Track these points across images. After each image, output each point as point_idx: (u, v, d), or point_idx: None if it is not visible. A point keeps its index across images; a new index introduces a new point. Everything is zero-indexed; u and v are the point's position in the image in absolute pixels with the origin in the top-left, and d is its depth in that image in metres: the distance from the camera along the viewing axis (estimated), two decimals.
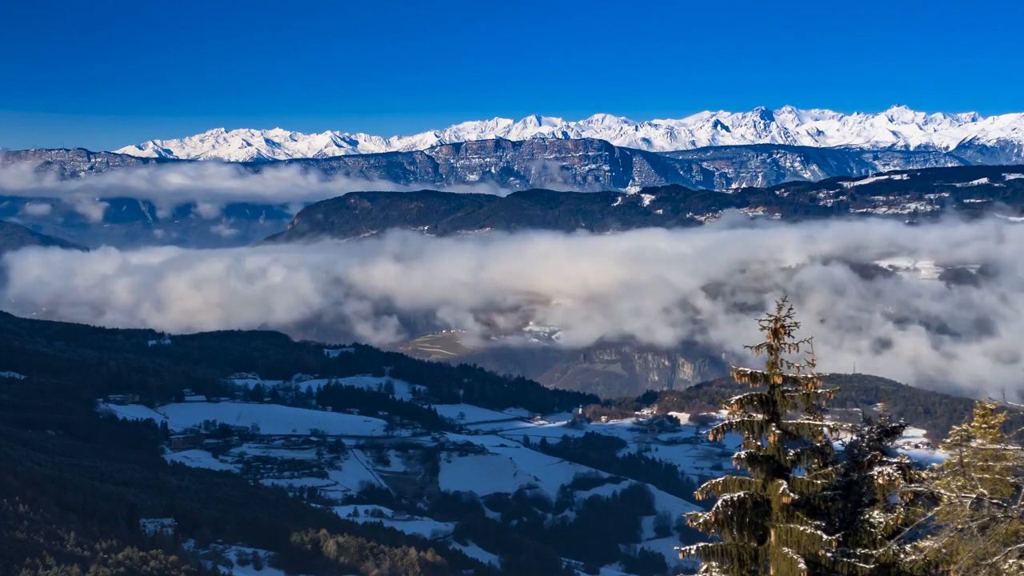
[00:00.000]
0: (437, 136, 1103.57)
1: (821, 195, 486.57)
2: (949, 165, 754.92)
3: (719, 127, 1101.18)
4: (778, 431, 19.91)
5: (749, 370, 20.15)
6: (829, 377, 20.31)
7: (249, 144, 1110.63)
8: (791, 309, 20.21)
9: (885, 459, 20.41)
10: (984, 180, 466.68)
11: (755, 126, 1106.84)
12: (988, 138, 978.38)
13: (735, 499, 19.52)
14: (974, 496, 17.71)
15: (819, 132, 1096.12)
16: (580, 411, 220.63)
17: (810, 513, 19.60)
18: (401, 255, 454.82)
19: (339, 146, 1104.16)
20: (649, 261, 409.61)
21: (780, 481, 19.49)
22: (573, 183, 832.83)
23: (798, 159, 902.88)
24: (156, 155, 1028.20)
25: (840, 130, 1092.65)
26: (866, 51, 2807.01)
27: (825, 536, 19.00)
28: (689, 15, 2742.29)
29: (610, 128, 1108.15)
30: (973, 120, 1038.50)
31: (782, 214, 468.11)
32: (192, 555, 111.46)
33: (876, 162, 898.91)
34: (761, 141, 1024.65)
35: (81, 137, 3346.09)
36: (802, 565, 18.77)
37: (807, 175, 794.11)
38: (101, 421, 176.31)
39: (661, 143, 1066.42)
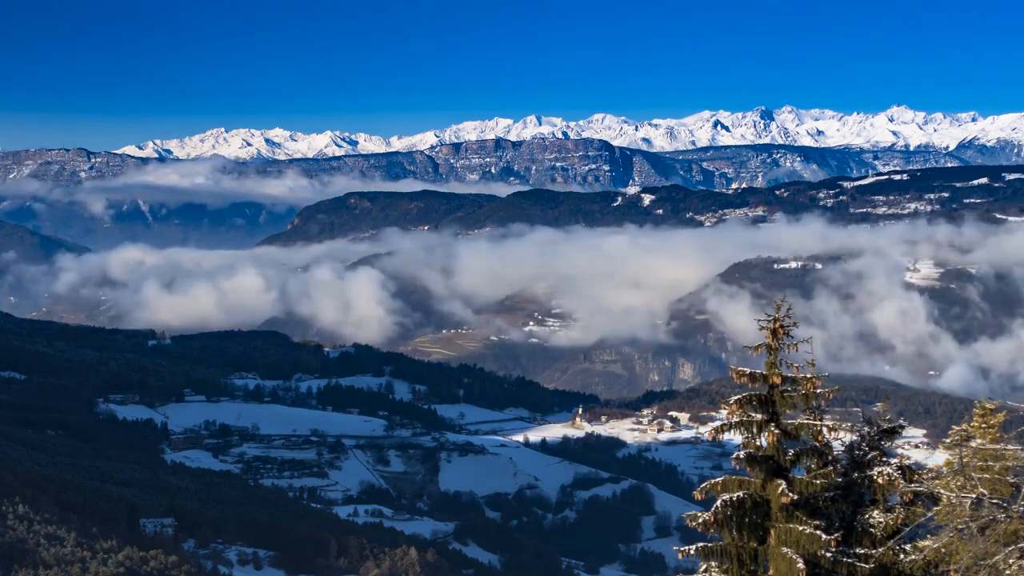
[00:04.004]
0: (437, 136, 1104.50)
1: (821, 195, 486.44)
2: (949, 165, 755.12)
3: (719, 127, 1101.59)
4: (777, 431, 19.89)
5: (748, 370, 20.13)
6: (828, 377, 20.29)
7: (249, 144, 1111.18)
8: (790, 309, 20.20)
9: (885, 459, 20.39)
10: (984, 180, 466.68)
11: (755, 126, 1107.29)
12: (988, 138, 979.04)
13: (734, 499, 19.51)
14: (974, 496, 17.70)
15: (819, 132, 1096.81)
16: (580, 411, 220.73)
17: (810, 513, 19.58)
18: (402, 255, 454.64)
19: (339, 146, 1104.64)
20: (649, 261, 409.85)
21: (779, 481, 19.48)
22: (573, 183, 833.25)
23: (798, 159, 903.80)
24: (156, 155, 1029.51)
25: (840, 130, 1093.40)
26: (866, 51, 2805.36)
27: (824, 536, 18.98)
28: (689, 15, 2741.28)
29: (610, 128, 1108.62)
30: (973, 120, 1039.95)
31: (782, 214, 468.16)
32: (192, 555, 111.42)
33: (876, 162, 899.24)
34: (761, 141, 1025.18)
35: (81, 137, 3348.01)
36: (801, 565, 18.76)
37: (807, 175, 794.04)
38: (101, 421, 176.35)
39: (661, 143, 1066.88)
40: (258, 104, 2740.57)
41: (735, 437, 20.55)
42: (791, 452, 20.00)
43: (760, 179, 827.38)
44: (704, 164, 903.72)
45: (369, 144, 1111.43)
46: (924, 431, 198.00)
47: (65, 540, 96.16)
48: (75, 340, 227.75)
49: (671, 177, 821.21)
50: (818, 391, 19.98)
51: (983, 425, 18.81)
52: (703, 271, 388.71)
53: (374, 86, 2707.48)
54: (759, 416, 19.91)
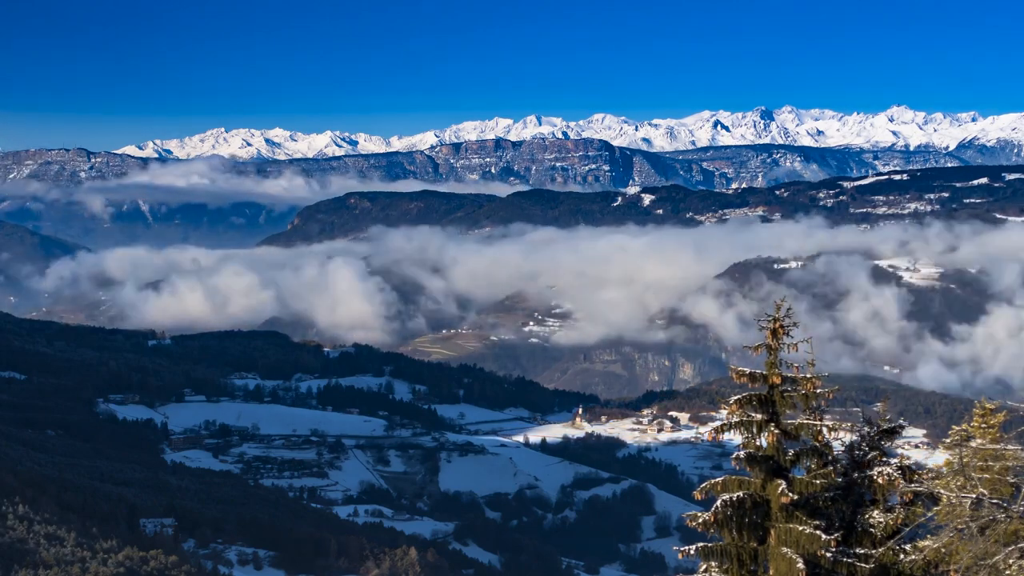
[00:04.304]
0: (437, 136, 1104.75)
1: (821, 195, 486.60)
2: (949, 165, 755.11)
3: (719, 127, 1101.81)
4: (777, 431, 19.88)
5: (748, 370, 20.10)
6: (828, 377, 20.27)
7: (249, 144, 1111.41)
8: (790, 309, 20.19)
9: (885, 459, 20.38)
10: (984, 180, 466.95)
11: (755, 126, 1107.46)
12: (988, 138, 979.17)
13: (734, 499, 19.50)
14: (974, 496, 17.70)
15: (819, 132, 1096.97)
16: (580, 411, 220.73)
17: (810, 513, 19.57)
18: (402, 255, 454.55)
19: (339, 146, 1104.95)
20: (649, 261, 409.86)
21: (779, 481, 19.47)
22: (573, 183, 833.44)
23: (798, 159, 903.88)
24: (156, 155, 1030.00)
25: (840, 130, 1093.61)
26: (866, 51, 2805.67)
27: (824, 536, 18.97)
28: (689, 15, 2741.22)
29: (610, 128, 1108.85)
30: (973, 120, 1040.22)
31: (782, 214, 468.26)
32: (192, 555, 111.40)
33: (876, 162, 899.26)
34: (761, 141, 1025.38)
35: (81, 137, 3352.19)
36: (801, 565, 18.75)
37: (807, 175, 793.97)
38: (101, 421, 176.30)
39: (661, 143, 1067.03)
40: (258, 104, 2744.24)
41: (735, 437, 20.54)
42: (791, 452, 19.98)
43: (760, 179, 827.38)
44: (704, 164, 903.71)
45: (369, 144, 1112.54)
46: (924, 431, 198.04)
47: (65, 540, 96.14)
48: (75, 340, 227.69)
49: (671, 177, 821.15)
50: (818, 391, 19.96)
51: (983, 425, 18.81)
52: (703, 271, 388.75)
53: (374, 86, 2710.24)
54: (759, 416, 19.89)
